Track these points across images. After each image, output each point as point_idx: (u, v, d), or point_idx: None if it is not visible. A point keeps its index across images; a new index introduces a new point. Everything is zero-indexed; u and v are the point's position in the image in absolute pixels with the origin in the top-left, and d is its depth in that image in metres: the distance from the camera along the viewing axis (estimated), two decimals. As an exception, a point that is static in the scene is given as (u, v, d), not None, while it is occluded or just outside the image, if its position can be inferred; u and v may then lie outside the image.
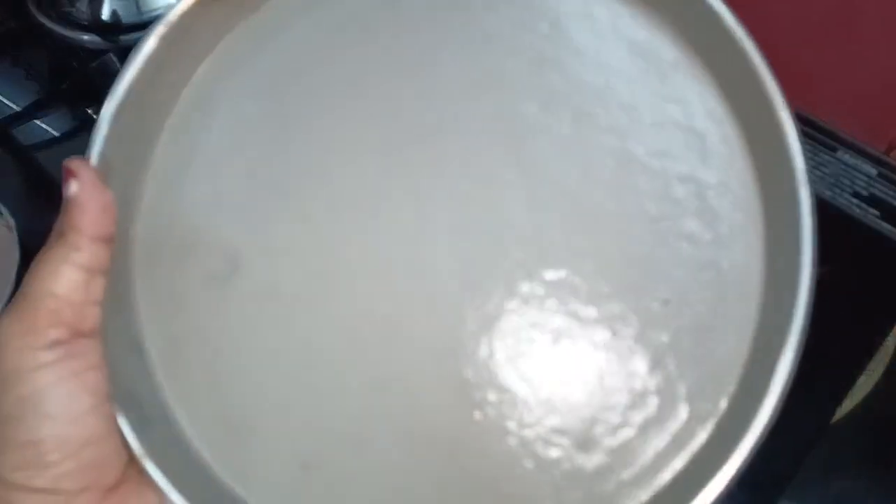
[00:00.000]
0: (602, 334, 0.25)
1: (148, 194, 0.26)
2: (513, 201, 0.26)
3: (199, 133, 0.26)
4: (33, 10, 0.51)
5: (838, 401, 0.39)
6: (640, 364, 0.25)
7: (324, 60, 0.26)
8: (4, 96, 0.55)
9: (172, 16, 0.25)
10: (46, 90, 0.53)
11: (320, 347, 0.26)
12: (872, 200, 0.42)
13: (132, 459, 0.23)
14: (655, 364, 0.25)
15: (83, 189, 0.23)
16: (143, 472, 0.23)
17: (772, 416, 0.23)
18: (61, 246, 0.23)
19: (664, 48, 0.25)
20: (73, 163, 0.23)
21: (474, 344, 0.25)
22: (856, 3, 0.46)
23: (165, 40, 0.25)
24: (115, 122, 0.24)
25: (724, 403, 0.24)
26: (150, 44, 0.25)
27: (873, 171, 0.43)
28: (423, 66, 0.26)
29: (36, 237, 0.44)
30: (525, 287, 0.25)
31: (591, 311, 0.25)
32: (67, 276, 0.22)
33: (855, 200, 0.42)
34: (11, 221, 0.43)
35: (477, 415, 0.25)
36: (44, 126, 0.54)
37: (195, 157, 0.26)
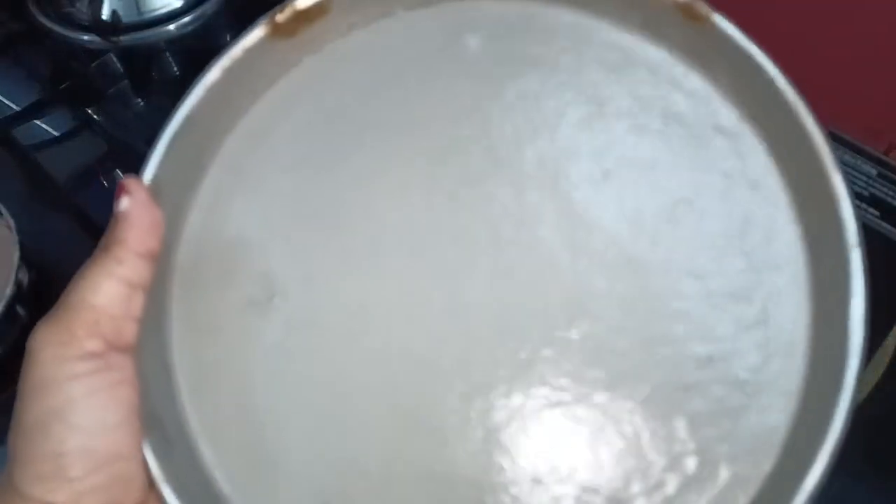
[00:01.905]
0: (640, 390, 0.25)
1: (193, 218, 0.26)
2: (556, 249, 0.25)
3: (251, 162, 0.26)
4: (33, 10, 0.51)
5: (838, 401, 0.39)
6: (679, 423, 0.24)
7: (381, 102, 0.27)
8: (4, 96, 0.55)
9: (237, 50, 0.25)
10: (47, 90, 0.53)
11: (351, 384, 0.25)
12: (872, 200, 0.42)
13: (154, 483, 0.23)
14: (695, 423, 0.24)
15: (134, 205, 0.23)
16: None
17: (820, 481, 0.22)
18: (104, 258, 0.22)
19: (723, 116, 0.26)
20: (128, 181, 0.23)
21: (507, 390, 0.25)
22: (856, 3, 0.46)
23: (228, 72, 0.25)
24: (171, 146, 0.25)
25: (767, 466, 0.24)
26: (212, 75, 0.25)
27: (873, 171, 0.43)
28: (477, 113, 0.26)
29: (36, 237, 0.45)
30: (560, 336, 0.25)
31: (627, 364, 0.25)
32: (108, 288, 0.22)
33: (855, 200, 0.42)
34: (11, 222, 0.43)
35: (505, 463, 0.24)
36: (44, 126, 0.54)
37: (244, 186, 0.26)
